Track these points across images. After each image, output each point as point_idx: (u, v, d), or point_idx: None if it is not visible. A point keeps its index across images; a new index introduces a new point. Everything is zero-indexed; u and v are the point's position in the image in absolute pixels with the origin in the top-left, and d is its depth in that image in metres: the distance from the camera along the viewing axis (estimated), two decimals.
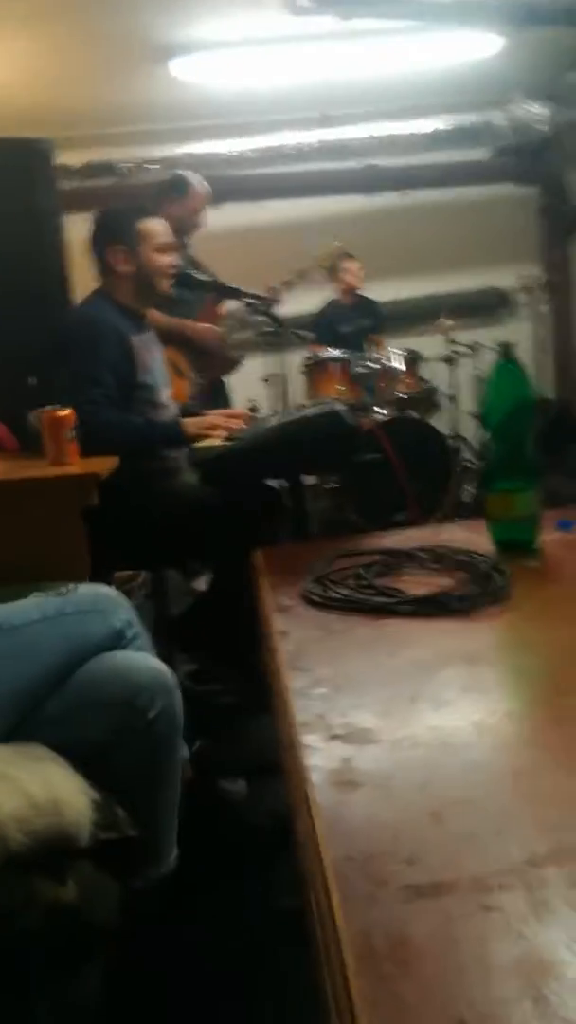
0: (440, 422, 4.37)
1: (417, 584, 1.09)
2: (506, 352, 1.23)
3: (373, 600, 1.03)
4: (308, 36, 3.74)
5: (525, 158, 5.29)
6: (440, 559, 1.19)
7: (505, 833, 0.54)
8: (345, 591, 1.07)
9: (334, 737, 0.70)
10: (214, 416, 2.25)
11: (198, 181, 3.34)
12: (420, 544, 1.26)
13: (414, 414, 4.07)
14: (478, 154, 5.17)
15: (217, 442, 1.99)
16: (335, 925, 0.47)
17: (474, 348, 4.51)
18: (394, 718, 0.72)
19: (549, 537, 1.24)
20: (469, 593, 1.01)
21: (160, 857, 1.26)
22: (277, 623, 1.01)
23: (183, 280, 2.41)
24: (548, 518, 1.28)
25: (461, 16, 3.59)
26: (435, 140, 4.53)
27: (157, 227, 2.23)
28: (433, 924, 0.46)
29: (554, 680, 0.80)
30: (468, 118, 4.55)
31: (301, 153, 4.56)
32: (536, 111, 4.41)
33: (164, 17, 3.59)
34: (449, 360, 4.58)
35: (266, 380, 4.62)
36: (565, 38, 3.90)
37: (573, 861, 0.50)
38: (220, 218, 4.39)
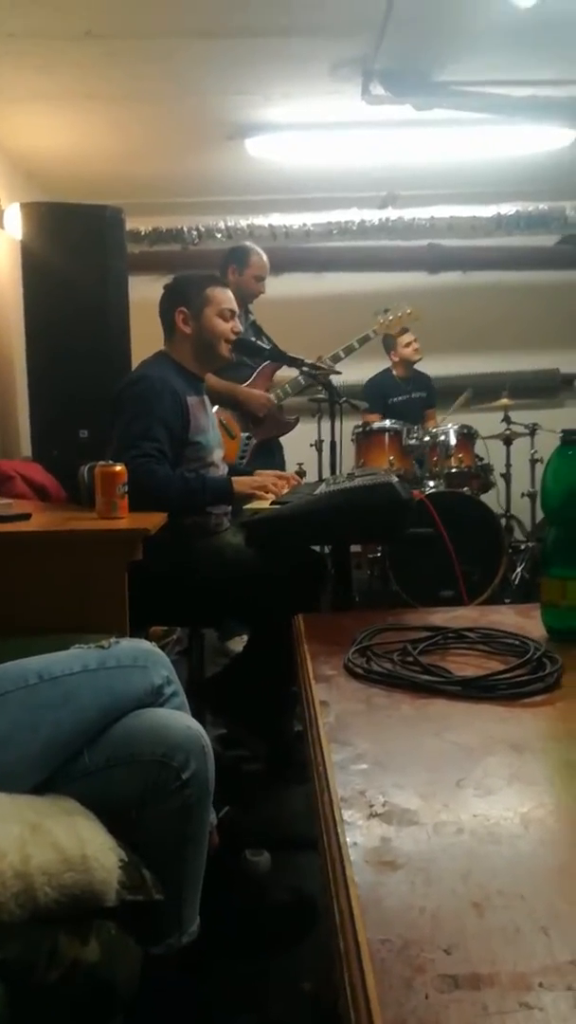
0: (493, 501, 4.34)
1: (464, 665, 1.07)
2: (567, 437, 1.23)
3: (419, 677, 1.01)
4: (381, 122, 3.90)
5: None
6: (489, 641, 1.17)
7: (550, 931, 0.52)
8: (389, 665, 1.06)
9: (374, 815, 0.68)
10: (265, 476, 2.28)
11: (260, 252, 3.48)
12: (469, 624, 1.24)
13: (466, 490, 4.06)
14: (544, 240, 5.27)
15: (265, 504, 2.01)
16: (369, 1009, 0.45)
17: (532, 429, 4.50)
18: (437, 801, 0.70)
19: None
20: (519, 678, 0.99)
21: (182, 924, 1.22)
22: (318, 692, 1.00)
23: (242, 346, 2.49)
24: None
25: (532, 111, 3.71)
26: (499, 224, 4.63)
27: (222, 294, 2.32)
28: (469, 1017, 0.44)
29: None
30: (537, 205, 4.65)
31: (364, 230, 4.70)
32: None
33: (242, 98, 3.79)
34: (506, 439, 4.58)
35: (315, 445, 4.68)
36: None
37: None
38: (283, 287, 4.54)
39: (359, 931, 0.52)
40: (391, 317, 3.86)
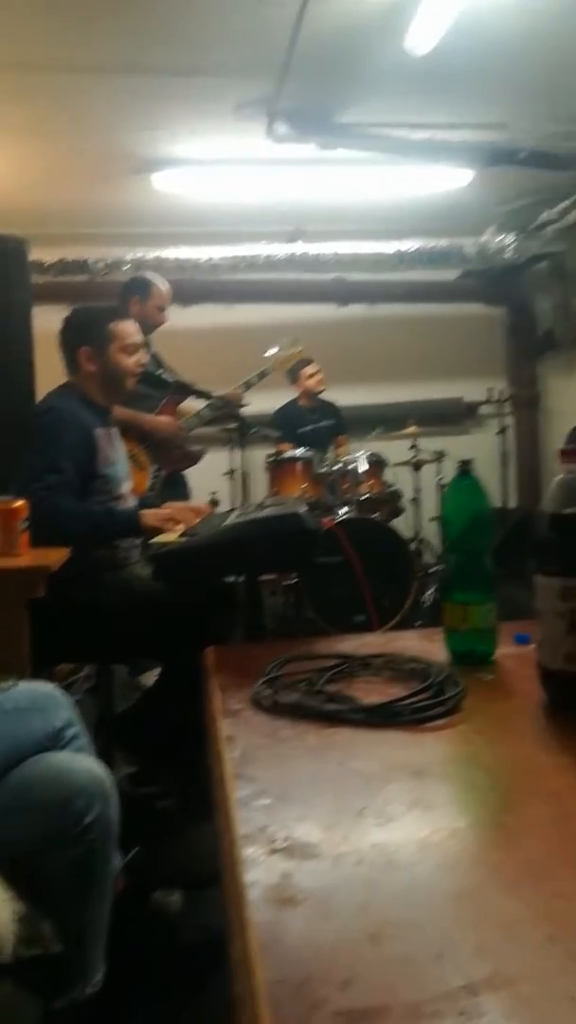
0: (403, 525, 4.44)
1: (370, 692, 1.08)
2: (464, 467, 1.27)
3: (324, 707, 1.02)
4: (287, 160, 3.99)
5: (493, 282, 5.62)
6: (395, 667, 1.19)
7: (444, 957, 0.52)
8: (296, 696, 1.06)
9: (275, 851, 0.68)
10: (173, 508, 2.26)
11: (161, 282, 3.48)
12: (376, 651, 1.26)
13: (376, 516, 4.14)
14: (446, 274, 5.48)
15: (173, 536, 1.99)
16: None
17: (439, 455, 4.65)
18: (338, 832, 0.71)
19: (505, 650, 1.25)
20: (421, 703, 1.01)
21: (85, 975, 1.18)
22: (224, 728, 0.99)
23: (147, 379, 2.48)
24: (507, 630, 1.29)
25: (430, 153, 3.88)
26: (402, 259, 4.79)
27: (126, 328, 2.30)
28: None
29: (501, 798, 0.79)
30: (437, 242, 4.84)
31: (271, 263, 4.78)
32: (505, 241, 4.71)
33: (148, 134, 3.82)
34: (414, 465, 4.71)
35: (229, 474, 4.69)
36: (531, 176, 4.22)
37: (510, 988, 0.49)
38: (190, 319, 4.56)
39: (255, 973, 0.52)
40: (282, 355, 3.94)
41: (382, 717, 0.98)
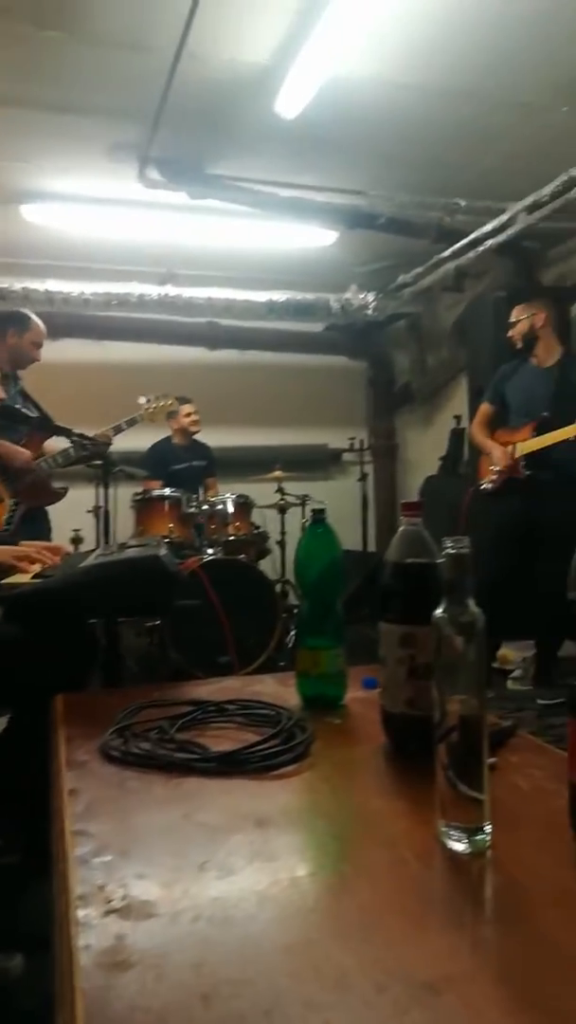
0: (269, 567, 4.49)
1: (222, 739, 1.08)
2: (318, 514, 1.31)
3: (173, 756, 1.01)
4: (158, 204, 4.03)
5: (355, 336, 5.87)
6: (248, 713, 1.19)
7: (273, 1013, 0.53)
8: (146, 745, 1.04)
9: (111, 912, 0.66)
10: (29, 547, 2.18)
11: (38, 319, 3.42)
12: (232, 696, 1.26)
13: (242, 557, 4.16)
14: (313, 326, 5.68)
15: (27, 577, 1.92)
16: None
17: (303, 500, 4.75)
18: (178, 888, 0.70)
19: (355, 694, 1.29)
20: (270, 750, 1.02)
21: None
22: (68, 781, 0.95)
23: (6, 413, 2.40)
24: (359, 674, 1.33)
25: (297, 211, 4.03)
26: (272, 309, 4.93)
27: None
28: None
29: (341, 846, 0.81)
30: (305, 295, 5.02)
31: (144, 303, 4.78)
32: (366, 299, 4.95)
33: (17, 165, 3.76)
34: (280, 508, 4.79)
35: (93, 511, 4.58)
36: (390, 240, 4.48)
37: None
38: (59, 352, 4.46)
39: None
40: (153, 407, 3.96)
41: (230, 765, 0.98)
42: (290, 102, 3.08)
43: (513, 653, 3.88)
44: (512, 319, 3.62)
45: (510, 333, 3.63)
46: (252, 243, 4.65)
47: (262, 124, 3.31)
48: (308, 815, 0.87)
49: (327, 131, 3.40)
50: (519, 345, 3.61)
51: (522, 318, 3.58)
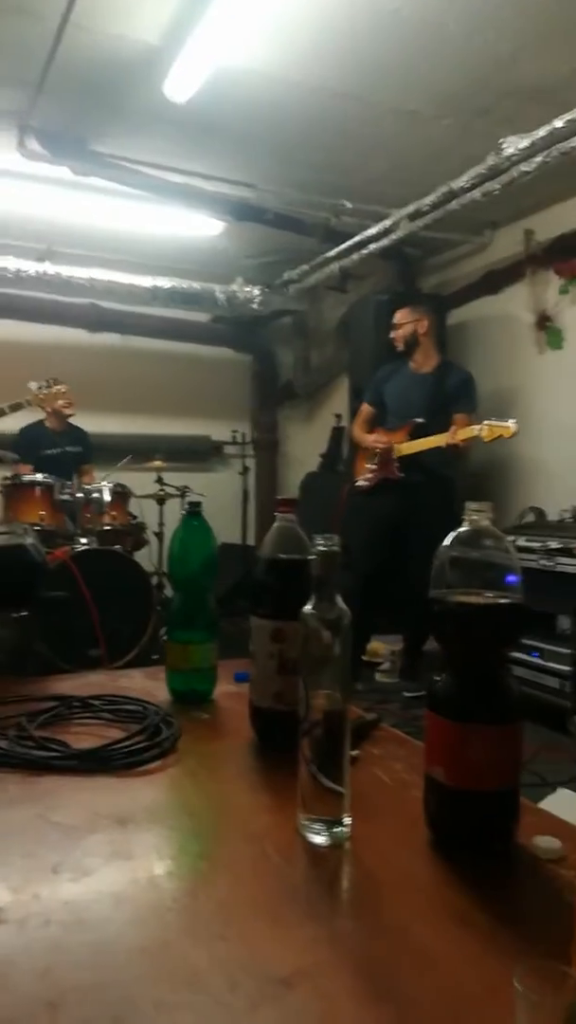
0: (145, 559, 4.41)
1: (86, 736, 1.05)
2: (193, 507, 1.29)
3: (32, 754, 0.97)
4: (39, 177, 3.87)
5: (241, 329, 5.86)
6: (114, 708, 1.16)
7: (122, 1019, 0.51)
8: (2, 743, 1.00)
9: None
10: None
11: None
12: (97, 691, 1.23)
13: (118, 548, 4.06)
14: (199, 316, 5.62)
15: None
16: None
17: (183, 491, 4.70)
18: (28, 892, 0.67)
19: (226, 688, 1.28)
20: (135, 746, 1.00)
21: None
22: None
23: None
24: (232, 667, 1.33)
25: (186, 198, 3.98)
26: (155, 296, 4.84)
27: None
28: None
29: (203, 843, 0.80)
30: (191, 284, 4.95)
31: (21, 279, 4.57)
32: (252, 292, 4.94)
33: None
34: (159, 499, 4.71)
35: None
36: (277, 236, 4.49)
37: None
38: None
39: None
40: (44, 393, 3.80)
41: (93, 763, 0.95)
42: (179, 86, 3.02)
43: (383, 646, 4.00)
44: (397, 321, 3.72)
45: (393, 334, 3.73)
46: (138, 226, 4.54)
47: (151, 105, 3.23)
48: (171, 812, 0.85)
49: (218, 120, 3.37)
50: (400, 347, 3.71)
51: (407, 321, 3.68)
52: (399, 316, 3.73)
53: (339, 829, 0.77)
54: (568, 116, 2.85)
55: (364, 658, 3.87)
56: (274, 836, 0.79)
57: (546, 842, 0.74)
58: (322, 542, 0.81)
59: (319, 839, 0.77)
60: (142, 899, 0.66)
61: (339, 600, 0.81)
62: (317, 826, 0.77)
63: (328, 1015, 0.53)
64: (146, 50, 2.90)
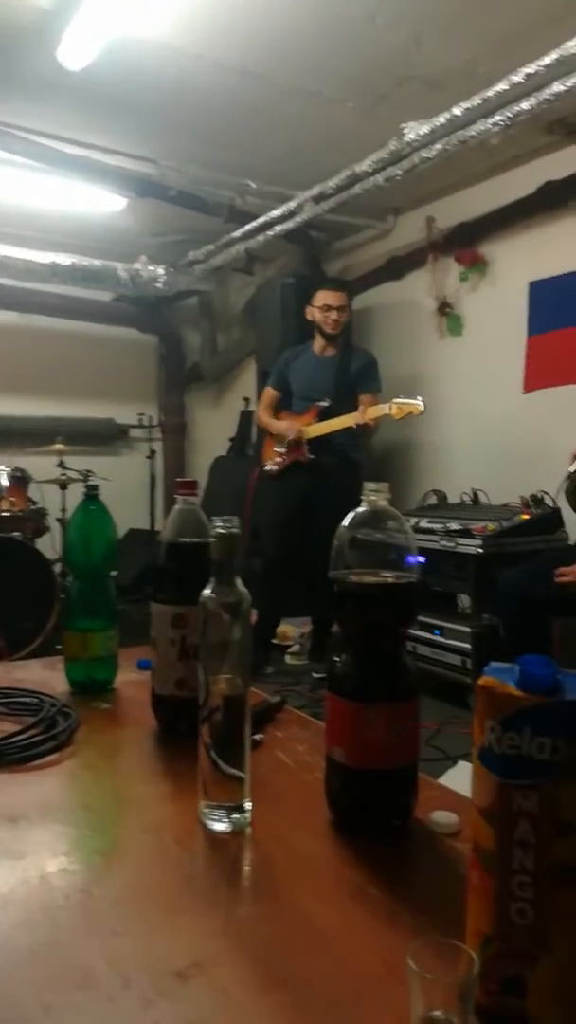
0: (47, 546, 4.27)
1: None
2: (91, 491, 1.25)
3: None
4: None
5: (147, 310, 5.72)
6: (8, 701, 1.12)
7: None
8: None
9: None
10: None
11: None
12: None
13: (17, 535, 3.92)
14: (101, 295, 5.46)
15: None
16: None
17: (86, 475, 4.56)
18: None
19: (127, 677, 1.25)
20: (30, 740, 0.96)
21: None
22: None
23: None
24: (135, 655, 1.29)
25: (85, 172, 3.84)
26: (54, 272, 4.66)
27: None
28: None
29: (99, 835, 0.78)
30: (92, 261, 4.79)
31: None
32: (156, 272, 4.83)
33: None
34: (61, 484, 4.57)
35: None
36: (181, 214, 4.40)
37: None
38: None
39: None
40: None
41: None
42: (74, 54, 2.90)
43: (292, 629, 4.03)
44: (337, 303, 3.62)
45: (335, 317, 3.62)
46: (34, 199, 4.34)
47: (44, 73, 3.09)
48: (66, 807, 0.82)
49: (119, 92, 3.26)
50: (335, 331, 3.65)
51: (345, 305, 3.64)
52: (338, 299, 3.63)
53: (240, 815, 0.76)
54: (466, 104, 2.90)
55: (274, 640, 3.89)
56: (174, 825, 0.77)
57: (443, 817, 0.76)
58: (221, 525, 0.79)
59: (220, 826, 0.76)
60: (32, 900, 0.64)
61: (239, 583, 0.80)
62: (218, 813, 0.76)
63: (223, 1006, 0.52)
64: (39, 14, 2.77)
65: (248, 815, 0.77)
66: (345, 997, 0.53)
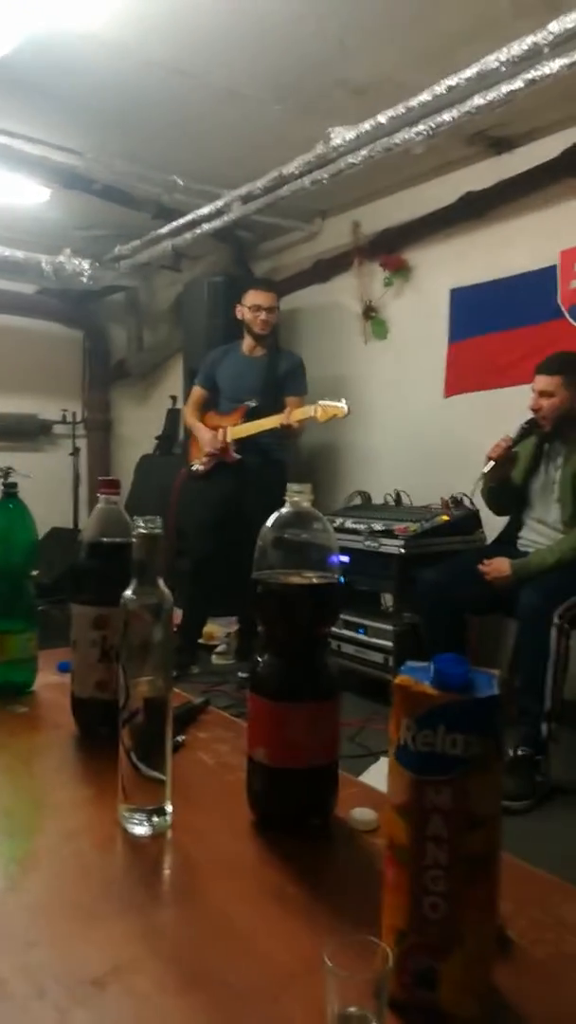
0: None
1: None
2: (8, 489, 1.22)
3: None
4: None
5: (70, 304, 5.60)
6: None
7: None
8: None
9: None
10: None
11: None
12: None
13: None
14: (25, 287, 5.31)
15: None
16: None
17: (6, 472, 4.44)
18: None
19: (47, 679, 1.22)
20: None
21: None
22: None
23: None
24: (55, 657, 1.26)
25: (7, 160, 3.73)
26: None
27: None
28: None
29: (14, 843, 0.76)
30: (15, 252, 4.66)
31: None
32: (81, 266, 4.73)
33: None
34: None
35: None
36: (107, 208, 4.33)
37: None
38: None
39: None
40: None
41: None
42: None
43: (219, 629, 4.01)
44: (266, 303, 3.61)
45: (264, 317, 3.61)
46: None
47: None
48: None
49: (43, 80, 3.17)
50: (265, 332, 3.65)
51: (275, 306, 3.64)
52: (268, 300, 3.62)
53: (160, 818, 0.76)
54: (391, 113, 2.94)
55: (200, 641, 3.87)
56: (94, 830, 0.76)
57: (362, 814, 0.77)
58: (143, 525, 0.78)
59: (140, 830, 0.75)
60: None
61: (161, 584, 0.79)
62: (138, 816, 0.75)
63: (140, 1012, 0.51)
64: None
65: (169, 818, 0.76)
66: (263, 996, 0.53)
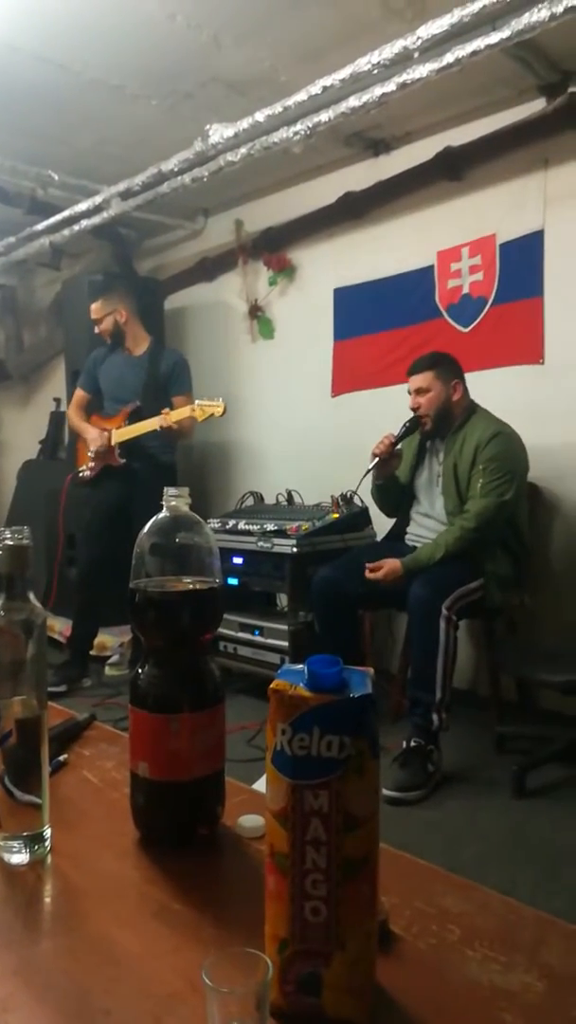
0: None
1: None
2: None
3: None
4: None
5: None
6: None
7: None
8: None
9: None
10: None
11: None
12: None
13: None
14: None
15: None
16: None
17: None
18: None
19: None
20: None
21: None
22: None
23: None
24: None
25: None
26: None
27: None
28: None
29: None
30: None
31: None
32: None
33: None
34: None
35: None
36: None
37: None
38: None
39: None
40: None
41: None
42: None
43: (111, 639, 3.91)
44: (94, 316, 3.58)
45: (97, 330, 3.59)
46: None
47: None
48: None
49: None
50: (108, 340, 3.61)
51: (105, 315, 3.56)
52: (94, 311, 3.58)
53: (38, 844, 0.72)
54: (268, 111, 2.95)
55: (92, 652, 3.76)
56: None
57: (249, 821, 0.76)
58: (10, 536, 0.74)
59: (17, 858, 0.71)
60: None
61: (32, 598, 0.75)
62: (14, 844, 0.72)
63: None
64: None
65: (48, 843, 0.73)
66: (144, 1020, 0.51)
